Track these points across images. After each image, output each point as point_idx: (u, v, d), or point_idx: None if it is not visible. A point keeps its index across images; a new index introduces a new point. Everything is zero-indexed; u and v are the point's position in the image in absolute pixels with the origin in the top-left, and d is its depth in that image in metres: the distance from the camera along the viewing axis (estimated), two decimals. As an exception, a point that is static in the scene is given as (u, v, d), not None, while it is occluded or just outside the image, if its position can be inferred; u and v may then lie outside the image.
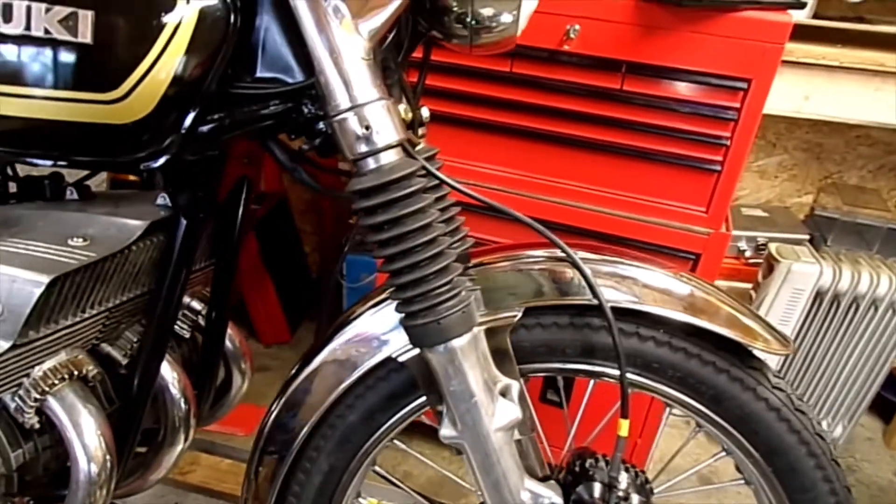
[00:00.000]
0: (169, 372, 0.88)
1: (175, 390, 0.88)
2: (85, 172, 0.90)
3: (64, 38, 0.61)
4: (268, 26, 0.66)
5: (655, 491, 0.84)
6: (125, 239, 0.75)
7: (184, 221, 0.78)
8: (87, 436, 0.74)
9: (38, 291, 0.66)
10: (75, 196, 0.84)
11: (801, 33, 1.53)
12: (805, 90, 1.58)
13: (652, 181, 1.28)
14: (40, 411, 0.74)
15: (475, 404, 0.67)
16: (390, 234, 0.63)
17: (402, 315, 0.67)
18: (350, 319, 0.81)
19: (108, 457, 0.76)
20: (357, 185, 0.62)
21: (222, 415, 1.08)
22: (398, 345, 0.74)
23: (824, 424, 1.77)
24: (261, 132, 0.72)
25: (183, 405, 0.89)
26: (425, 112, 0.81)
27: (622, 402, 0.71)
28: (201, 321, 0.95)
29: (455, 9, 0.69)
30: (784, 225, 1.89)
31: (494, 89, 1.30)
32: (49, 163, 0.71)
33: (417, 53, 0.81)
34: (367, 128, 0.61)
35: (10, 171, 0.91)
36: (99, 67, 0.63)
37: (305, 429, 0.80)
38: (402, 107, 0.69)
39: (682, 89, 1.20)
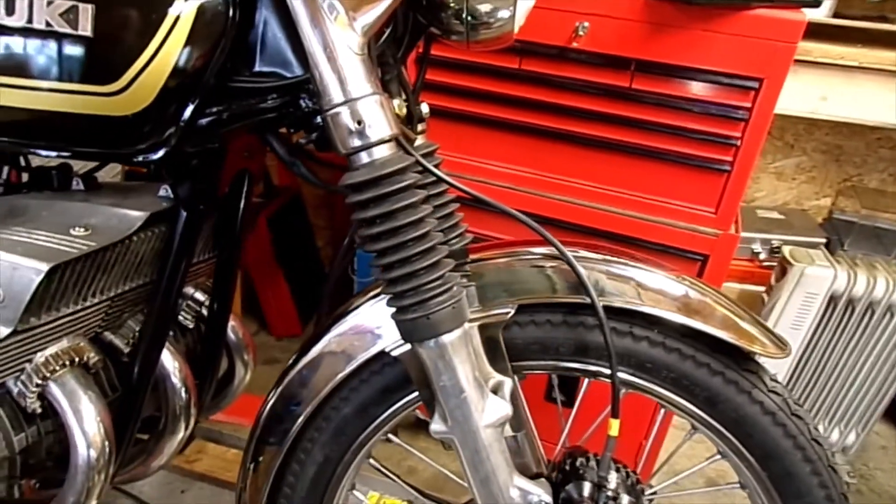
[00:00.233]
0: (170, 361, 0.89)
1: (176, 379, 0.90)
2: (94, 163, 0.92)
3: (65, 31, 0.63)
4: (266, 21, 0.67)
5: (658, 492, 0.84)
6: (126, 229, 0.76)
7: (184, 213, 0.79)
8: (86, 421, 0.76)
9: (38, 279, 0.68)
10: (81, 186, 0.85)
11: (821, 32, 1.50)
12: (822, 91, 1.55)
13: (660, 181, 1.26)
14: (42, 396, 0.76)
15: (465, 400, 0.67)
16: (382, 229, 0.63)
17: (394, 309, 0.67)
18: (348, 311, 0.81)
19: (106, 443, 0.77)
20: (349, 180, 0.62)
21: (225, 405, 1.09)
22: (393, 338, 0.75)
23: (836, 432, 1.74)
24: (260, 126, 0.73)
25: (184, 394, 0.91)
26: (425, 108, 0.81)
27: (613, 401, 0.70)
28: (205, 312, 0.96)
29: (452, 5, 0.69)
30: (800, 228, 1.86)
31: (503, 86, 1.30)
32: (53, 153, 0.73)
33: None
34: (360, 122, 0.61)
35: (22, 162, 0.93)
36: (99, 60, 0.65)
37: (300, 419, 0.80)
38: (397, 102, 0.69)
39: (692, 88, 1.19)
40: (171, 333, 0.89)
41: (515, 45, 1.24)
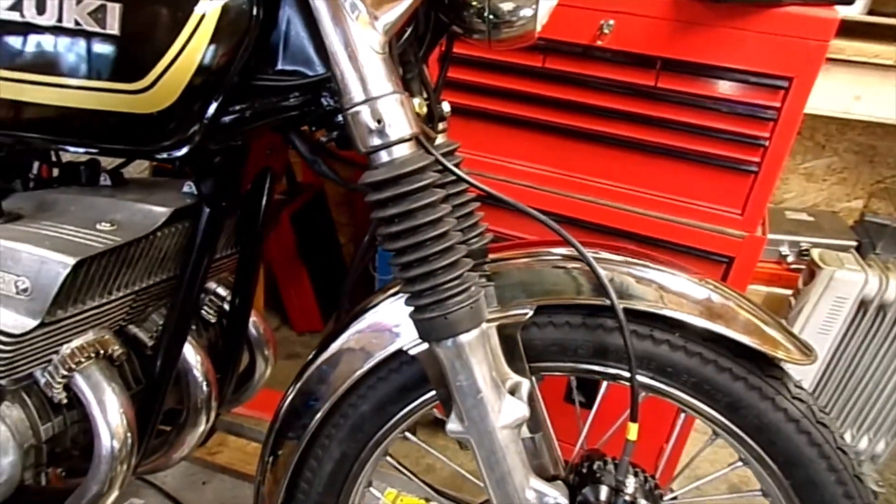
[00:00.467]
0: (192, 355, 0.91)
1: (198, 373, 0.91)
2: (121, 160, 0.94)
3: (93, 30, 0.64)
4: (289, 19, 0.67)
5: (678, 497, 0.83)
6: (150, 225, 0.77)
7: (207, 209, 0.80)
8: (110, 412, 0.77)
9: (65, 272, 0.69)
10: (108, 182, 0.87)
11: (855, 30, 1.47)
12: (856, 90, 1.52)
13: (686, 181, 1.25)
14: (68, 387, 0.78)
15: (481, 400, 0.67)
16: (400, 228, 0.63)
17: (412, 308, 0.67)
18: (367, 308, 0.82)
19: (129, 434, 0.79)
20: (369, 178, 0.62)
21: (246, 399, 1.11)
22: (411, 337, 0.75)
23: (865, 440, 1.70)
24: (282, 124, 0.74)
25: (205, 388, 0.92)
26: (446, 107, 0.81)
27: (632, 405, 0.70)
28: (227, 307, 0.97)
29: (474, 3, 0.68)
30: (830, 230, 1.82)
31: (526, 84, 1.29)
32: (81, 150, 0.74)
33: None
34: (380, 121, 0.61)
35: (52, 157, 0.95)
36: (126, 58, 0.66)
37: (318, 415, 0.81)
38: (418, 101, 0.69)
39: (719, 87, 1.17)
40: (193, 328, 0.90)
41: (539, 44, 1.24)
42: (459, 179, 0.70)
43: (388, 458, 0.89)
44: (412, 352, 0.73)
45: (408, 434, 0.86)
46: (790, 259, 1.79)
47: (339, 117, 0.68)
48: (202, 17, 0.63)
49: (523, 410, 0.69)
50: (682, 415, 0.78)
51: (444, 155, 0.66)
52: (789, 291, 1.72)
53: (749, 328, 0.70)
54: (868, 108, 1.54)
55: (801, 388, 0.73)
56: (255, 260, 0.95)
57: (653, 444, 1.37)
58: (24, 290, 0.70)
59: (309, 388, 0.83)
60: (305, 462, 0.85)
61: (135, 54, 0.65)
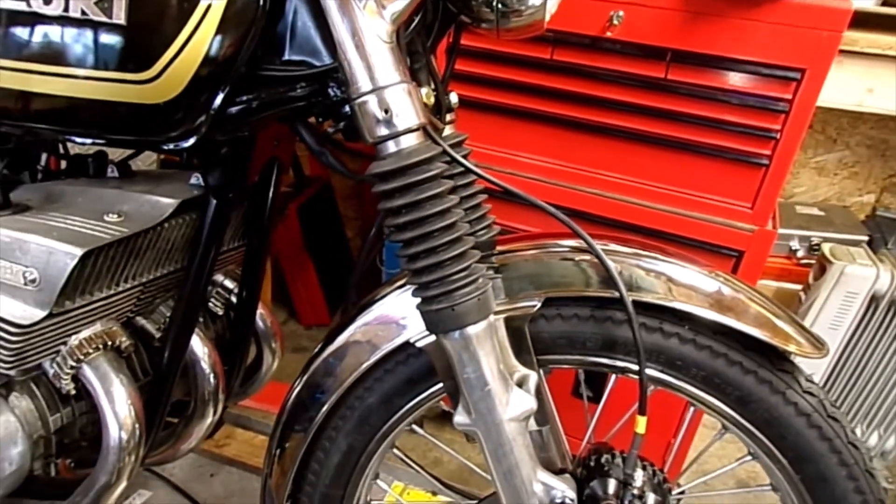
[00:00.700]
0: (200, 347, 0.91)
1: (205, 365, 0.91)
2: (129, 151, 0.94)
3: (99, 20, 0.64)
4: (296, 9, 0.66)
5: (686, 492, 0.82)
6: (157, 216, 0.77)
7: (214, 201, 0.80)
8: (118, 404, 0.78)
9: (73, 263, 0.69)
10: (116, 174, 0.87)
11: (868, 21, 1.45)
12: (869, 83, 1.49)
13: (695, 174, 1.23)
14: (76, 378, 0.78)
15: (489, 393, 0.67)
16: (408, 219, 0.63)
17: (419, 300, 0.67)
18: (374, 301, 0.81)
19: (137, 425, 0.79)
20: (376, 169, 0.62)
21: (253, 391, 1.11)
22: (418, 329, 0.74)
23: (875, 436, 1.69)
24: (289, 114, 0.73)
25: (212, 380, 0.92)
26: (454, 97, 0.80)
27: (640, 398, 0.69)
28: (234, 299, 0.97)
29: (482, -8, 0.68)
30: (841, 225, 1.80)
31: (534, 76, 1.28)
32: (89, 141, 0.74)
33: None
34: (387, 111, 0.60)
35: (59, 149, 0.96)
36: (133, 48, 0.65)
37: (325, 408, 0.81)
38: (425, 91, 0.69)
39: (730, 79, 1.15)
40: (200, 320, 0.91)
41: (548, 35, 1.23)
42: (467, 170, 0.69)
43: (396, 451, 0.89)
44: (419, 344, 0.73)
45: (415, 427, 0.86)
46: (801, 254, 1.78)
47: (347, 107, 0.68)
48: (208, 6, 0.63)
49: (531, 403, 0.69)
50: (691, 409, 0.78)
51: (451, 146, 0.65)
52: (800, 286, 1.70)
53: (760, 321, 0.69)
54: (881, 101, 1.52)
55: (812, 382, 0.72)
56: (263, 252, 0.95)
57: (661, 438, 1.36)
58: (33, 281, 0.71)
59: (316, 380, 0.83)
60: (313, 454, 0.85)
61: (141, 44, 0.65)
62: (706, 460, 1.54)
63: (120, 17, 0.63)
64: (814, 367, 1.57)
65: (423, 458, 1.62)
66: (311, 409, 0.82)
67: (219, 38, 0.63)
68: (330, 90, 0.69)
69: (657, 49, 1.17)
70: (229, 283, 0.96)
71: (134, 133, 0.70)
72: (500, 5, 0.67)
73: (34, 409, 0.78)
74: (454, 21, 0.76)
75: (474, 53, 1.30)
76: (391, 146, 0.62)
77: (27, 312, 0.71)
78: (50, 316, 0.72)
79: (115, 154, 0.92)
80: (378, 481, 0.90)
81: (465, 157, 0.69)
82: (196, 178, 0.83)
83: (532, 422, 0.75)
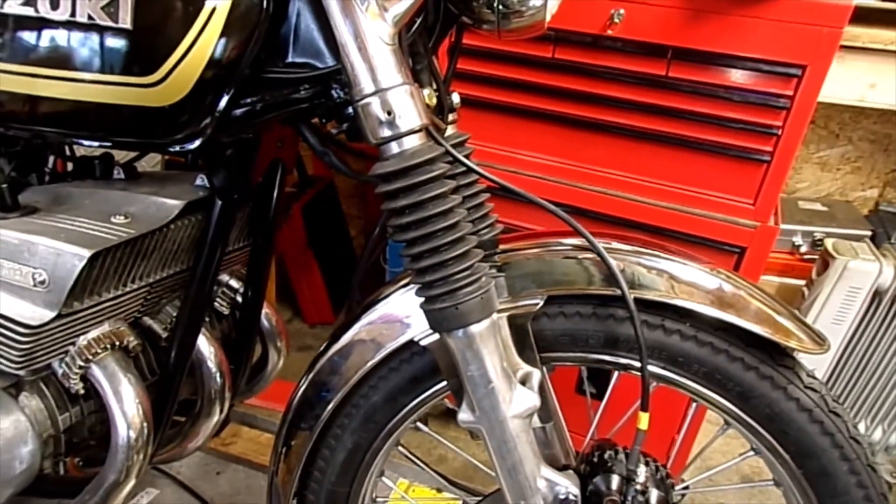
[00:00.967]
0: (206, 346, 0.92)
1: (211, 364, 0.92)
2: (135, 154, 0.95)
3: (106, 24, 0.64)
4: (299, 12, 0.67)
5: (689, 487, 0.83)
6: (164, 217, 0.78)
7: (219, 202, 0.81)
8: (126, 403, 0.79)
9: (81, 264, 0.70)
10: (122, 175, 0.88)
11: (870, 17, 1.45)
12: (871, 78, 1.49)
13: (697, 171, 1.24)
14: (85, 378, 0.79)
15: (492, 390, 0.68)
16: (411, 219, 0.63)
17: (423, 299, 0.67)
18: (378, 300, 0.82)
19: (145, 423, 0.80)
20: (379, 169, 0.63)
21: (259, 390, 1.12)
22: (422, 328, 0.75)
23: (879, 431, 1.69)
24: (293, 116, 0.74)
25: (219, 378, 0.93)
26: (456, 98, 0.81)
27: (643, 394, 0.70)
28: (239, 299, 0.98)
29: (483, -7, 0.68)
30: (844, 220, 1.80)
31: (536, 75, 1.29)
32: (95, 144, 0.75)
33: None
34: (390, 112, 0.61)
35: (66, 151, 0.96)
36: (138, 52, 0.66)
37: (331, 406, 0.82)
38: (427, 91, 0.69)
39: (731, 76, 1.16)
40: (206, 319, 0.91)
41: (549, 34, 1.23)
42: (469, 170, 0.70)
43: (401, 449, 0.90)
44: (423, 342, 0.74)
45: (420, 425, 0.86)
46: (803, 249, 1.78)
47: (350, 109, 0.68)
48: (213, 10, 0.64)
49: (534, 400, 0.70)
50: (694, 405, 0.78)
51: (454, 146, 0.66)
52: (803, 282, 1.70)
53: (761, 317, 0.70)
54: (883, 96, 1.52)
55: (813, 377, 0.72)
56: (268, 252, 0.96)
57: (664, 435, 1.37)
58: (42, 283, 0.71)
59: (321, 379, 0.83)
60: (318, 452, 0.86)
61: (147, 48, 0.66)
62: (710, 456, 1.55)
63: (126, 21, 0.64)
64: (817, 363, 1.58)
65: (428, 456, 1.63)
66: (316, 407, 0.83)
67: (223, 41, 0.64)
68: (333, 92, 0.70)
69: (658, 46, 1.17)
70: (235, 283, 0.97)
71: (140, 135, 0.71)
72: (501, 6, 0.68)
73: (44, 409, 0.80)
74: (455, 22, 0.77)
75: (476, 52, 1.31)
76: (394, 147, 0.63)
77: (36, 313, 0.72)
78: (59, 316, 0.73)
79: (120, 156, 0.93)
80: (383, 478, 0.91)
81: (467, 156, 0.70)
82: (201, 180, 0.84)
83: (535, 419, 0.76)
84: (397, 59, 0.62)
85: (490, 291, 0.67)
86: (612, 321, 0.73)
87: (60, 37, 0.67)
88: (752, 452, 0.77)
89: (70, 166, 0.96)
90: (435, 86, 0.76)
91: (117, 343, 0.80)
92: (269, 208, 0.90)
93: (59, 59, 0.67)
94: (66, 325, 0.75)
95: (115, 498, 0.81)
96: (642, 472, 0.72)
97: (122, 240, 0.74)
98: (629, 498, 0.71)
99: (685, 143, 1.22)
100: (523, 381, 0.71)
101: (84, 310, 0.76)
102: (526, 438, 0.70)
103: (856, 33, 1.40)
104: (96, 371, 0.78)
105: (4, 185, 0.78)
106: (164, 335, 0.88)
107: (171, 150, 0.71)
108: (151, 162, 1.55)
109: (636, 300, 0.69)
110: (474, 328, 0.66)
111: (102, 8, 0.64)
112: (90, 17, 0.65)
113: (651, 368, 0.73)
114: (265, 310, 1.03)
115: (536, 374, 0.73)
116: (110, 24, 0.65)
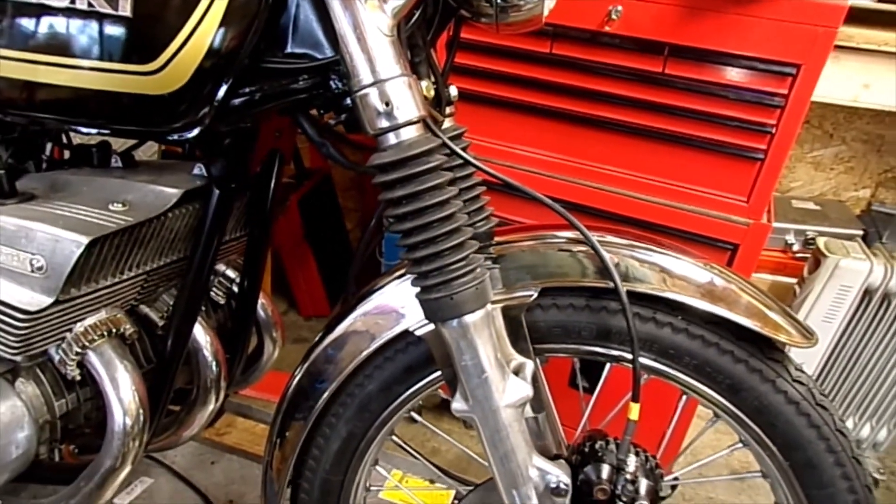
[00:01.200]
0: (202, 335, 0.92)
1: (207, 353, 0.93)
2: (133, 142, 0.95)
3: (105, 11, 0.65)
4: (298, 2, 0.67)
5: (679, 478, 0.84)
6: (161, 206, 0.79)
7: (217, 191, 0.81)
8: (122, 390, 0.79)
9: (79, 251, 0.71)
10: (119, 164, 0.88)
11: (865, 18, 1.46)
12: (865, 78, 1.51)
13: (692, 168, 1.25)
14: (81, 365, 0.79)
15: (486, 380, 0.68)
16: (407, 209, 0.64)
17: (418, 289, 0.68)
18: (374, 290, 0.83)
19: (141, 410, 0.81)
20: (377, 160, 0.63)
21: (254, 380, 1.12)
22: (417, 318, 0.76)
23: (868, 427, 1.71)
24: (291, 106, 0.74)
25: (214, 368, 0.94)
26: (453, 90, 0.81)
27: (634, 385, 0.71)
28: (235, 289, 0.99)
29: (482, -13, 0.69)
30: (836, 219, 1.82)
31: (534, 70, 1.29)
32: (94, 131, 0.75)
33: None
34: (388, 103, 0.62)
35: (64, 139, 0.97)
36: (138, 39, 0.66)
37: (325, 395, 0.82)
38: (425, 84, 0.70)
39: (727, 74, 1.17)
40: (203, 308, 0.92)
41: (547, 29, 1.24)
42: (466, 162, 0.71)
43: (395, 440, 0.91)
44: (418, 332, 0.75)
45: (415, 415, 0.87)
46: (796, 248, 1.79)
47: (348, 100, 0.69)
48: (212, -1, 0.64)
49: (527, 390, 0.70)
50: (684, 398, 0.79)
51: (451, 139, 0.67)
52: (795, 280, 1.72)
53: (751, 311, 0.71)
54: (877, 96, 1.53)
55: (801, 371, 0.74)
56: (264, 243, 0.96)
57: (655, 428, 1.38)
58: (40, 269, 0.72)
59: (316, 368, 0.84)
60: (313, 441, 0.86)
61: (146, 36, 0.66)
62: (702, 451, 1.57)
63: (126, 9, 0.64)
64: (808, 360, 1.59)
65: (423, 448, 1.64)
66: (311, 396, 0.84)
67: (222, 30, 0.64)
68: (331, 83, 0.70)
69: (655, 44, 1.18)
70: (231, 273, 0.98)
71: (138, 124, 0.71)
72: (499, 0, 0.68)
73: (40, 395, 0.80)
74: (454, 15, 0.77)
75: (475, 47, 1.31)
76: (391, 138, 0.63)
77: (34, 299, 0.73)
78: (56, 303, 0.73)
79: (118, 144, 0.93)
80: (377, 467, 0.92)
81: (464, 149, 0.70)
82: (199, 169, 0.84)
83: (528, 409, 0.76)
84: (396, 50, 0.62)
85: (484, 282, 0.67)
86: (605, 313, 0.74)
87: (60, 24, 0.67)
88: (740, 445, 0.78)
89: (67, 154, 0.96)
90: (433, 78, 0.76)
91: (114, 330, 0.81)
92: (267, 198, 0.90)
93: (59, 46, 0.67)
94: (63, 311, 0.75)
95: (110, 483, 0.82)
96: (632, 462, 0.73)
97: (119, 227, 0.74)
98: (619, 487, 0.72)
99: (680, 140, 1.23)
100: (516, 372, 0.72)
101: (81, 296, 0.76)
102: (518, 428, 0.71)
103: (850, 34, 1.41)
104: (93, 358, 0.78)
105: (2, 172, 0.78)
106: (161, 323, 0.88)
107: (170, 138, 0.71)
108: (149, 151, 1.56)
109: (629, 293, 0.70)
110: (468, 318, 0.67)
111: (103, -5, 0.65)
112: (90, 5, 0.65)
113: (642, 360, 0.74)
114: (261, 300, 1.04)
115: (529, 365, 0.74)
116: (110, 11, 0.65)
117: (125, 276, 0.81)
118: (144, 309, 0.88)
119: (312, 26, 0.68)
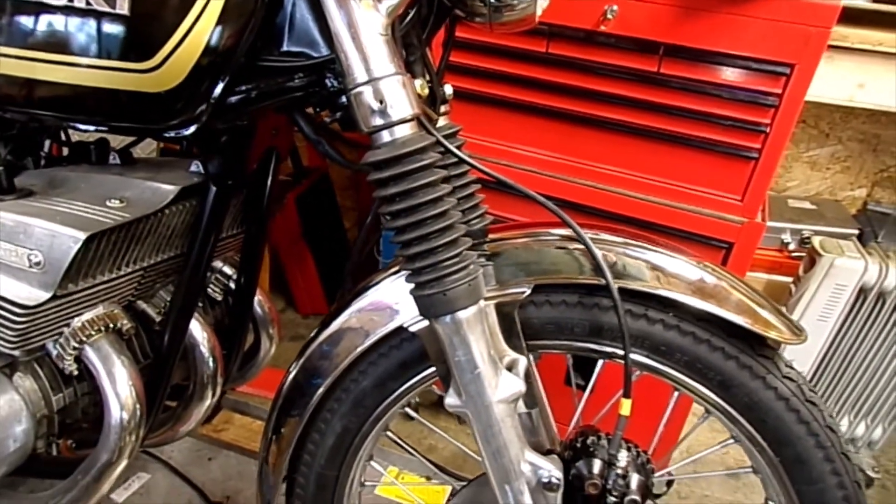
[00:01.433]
0: (199, 332, 0.93)
1: (204, 349, 0.93)
2: (130, 139, 0.96)
3: (103, 9, 0.65)
4: (294, 1, 0.68)
5: (671, 473, 0.85)
6: (158, 202, 0.79)
7: (214, 188, 0.82)
8: (119, 384, 0.80)
9: (76, 247, 0.71)
10: (117, 161, 0.89)
11: (860, 18, 1.47)
12: (860, 78, 1.51)
13: (686, 167, 1.26)
14: (79, 360, 0.80)
15: (478, 375, 0.69)
16: (401, 206, 0.65)
17: (412, 285, 0.69)
18: (369, 287, 0.83)
19: (138, 406, 0.81)
20: (371, 157, 0.64)
21: (251, 376, 1.13)
22: (411, 314, 0.77)
23: (863, 426, 1.72)
24: (287, 104, 0.75)
25: (211, 364, 0.94)
26: (448, 89, 0.82)
27: (625, 381, 0.71)
28: (232, 285, 0.99)
29: (475, -13, 0.69)
30: (832, 218, 1.83)
31: (529, 69, 1.30)
32: (91, 128, 0.76)
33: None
34: (382, 101, 0.62)
35: (62, 136, 0.97)
36: (135, 37, 0.67)
37: (320, 391, 0.83)
38: (419, 82, 0.71)
39: (721, 73, 1.17)
40: (200, 305, 0.93)
41: (543, 28, 1.25)
42: (460, 160, 0.71)
43: (392, 437, 0.91)
44: (412, 328, 0.75)
45: (411, 412, 0.88)
46: (792, 247, 1.80)
47: (343, 98, 0.69)
48: (209, -3, 0.64)
49: (519, 386, 0.71)
50: (676, 395, 0.80)
51: (445, 137, 0.67)
52: (790, 279, 1.73)
53: (742, 308, 0.71)
54: (872, 96, 1.54)
55: (791, 367, 0.74)
56: (261, 240, 0.97)
57: (648, 426, 1.39)
58: (37, 264, 0.73)
59: (311, 364, 0.85)
60: (308, 436, 0.87)
61: (144, 34, 0.67)
62: (694, 447, 1.57)
63: (123, 7, 0.65)
64: (803, 358, 1.60)
65: (419, 445, 1.64)
66: (306, 392, 0.85)
67: (219, 28, 0.65)
68: (327, 81, 0.71)
69: (650, 43, 1.19)
70: (228, 270, 0.98)
71: (136, 121, 0.72)
72: (492, 0, 0.69)
73: (38, 389, 0.81)
74: (449, 15, 0.78)
75: (471, 46, 1.32)
76: (385, 136, 0.64)
77: (32, 294, 0.73)
78: (54, 298, 0.74)
79: (116, 141, 0.94)
80: (372, 462, 0.92)
81: (458, 147, 0.71)
82: (196, 166, 0.85)
83: (521, 404, 0.77)
84: (390, 49, 0.63)
85: (478, 279, 0.68)
86: (598, 310, 0.75)
87: (58, 21, 0.67)
88: (731, 440, 0.79)
89: (66, 151, 0.97)
90: (428, 77, 0.77)
91: (111, 325, 0.81)
92: (263, 196, 0.91)
93: (57, 44, 0.68)
94: (60, 306, 0.76)
95: (107, 478, 0.82)
96: (623, 457, 0.74)
97: (117, 223, 0.75)
98: (610, 482, 0.73)
99: (675, 139, 1.24)
100: (509, 368, 0.73)
101: (79, 292, 0.77)
102: (511, 423, 0.72)
103: (845, 34, 1.42)
104: (90, 352, 0.79)
105: (1, 169, 0.78)
106: (158, 319, 0.89)
107: (167, 135, 0.72)
108: (147, 149, 1.56)
109: (621, 290, 0.71)
110: (462, 314, 0.67)
111: (100, -7, 0.65)
112: (88, 3, 0.65)
113: (634, 357, 0.74)
114: (258, 297, 1.04)
115: (522, 361, 0.74)
116: (108, 9, 0.65)
117: (122, 272, 0.81)
118: (142, 305, 0.88)
119: (308, 25, 0.68)
